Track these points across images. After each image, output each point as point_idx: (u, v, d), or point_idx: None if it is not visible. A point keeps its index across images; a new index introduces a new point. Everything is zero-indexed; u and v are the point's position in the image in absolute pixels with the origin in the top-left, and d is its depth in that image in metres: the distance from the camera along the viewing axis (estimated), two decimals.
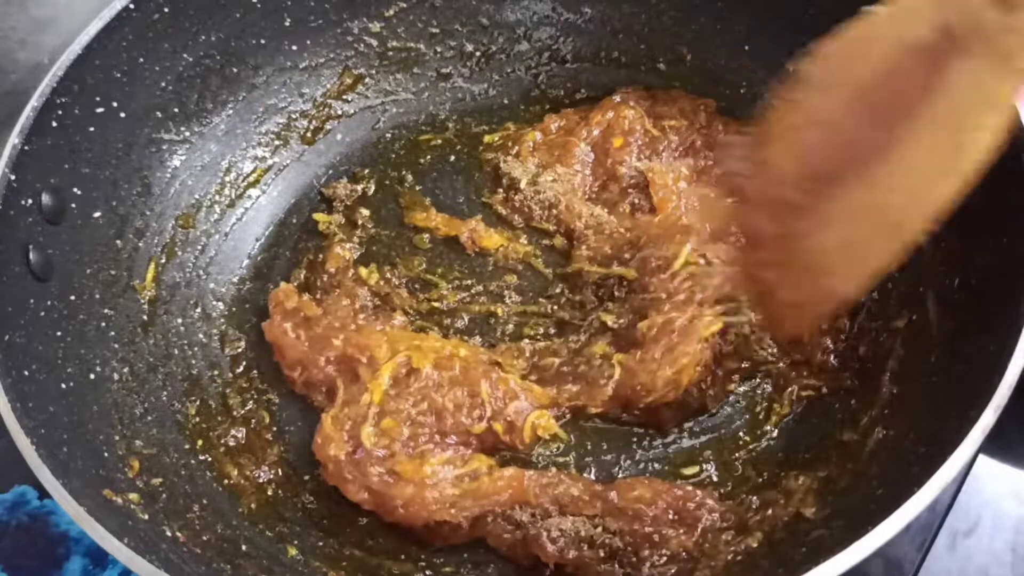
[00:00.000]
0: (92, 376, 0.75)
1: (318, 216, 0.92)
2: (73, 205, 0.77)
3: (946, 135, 0.55)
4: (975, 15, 0.52)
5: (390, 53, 1.00)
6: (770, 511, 0.72)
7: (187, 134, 0.90)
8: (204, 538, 0.70)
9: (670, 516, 0.72)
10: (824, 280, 0.59)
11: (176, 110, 0.88)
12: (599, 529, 0.71)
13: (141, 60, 0.83)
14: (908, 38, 0.55)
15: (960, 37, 0.53)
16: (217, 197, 0.93)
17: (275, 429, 0.82)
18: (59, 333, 0.73)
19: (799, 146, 0.59)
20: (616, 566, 0.70)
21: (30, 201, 0.72)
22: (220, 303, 0.89)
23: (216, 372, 0.85)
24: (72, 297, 0.76)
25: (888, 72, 0.56)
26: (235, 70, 0.92)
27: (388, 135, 1.00)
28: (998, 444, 0.80)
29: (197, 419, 0.81)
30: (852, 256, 0.58)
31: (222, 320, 0.88)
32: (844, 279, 0.59)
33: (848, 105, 0.58)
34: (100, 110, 0.80)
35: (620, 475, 0.77)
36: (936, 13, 0.54)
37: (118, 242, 0.83)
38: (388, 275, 0.89)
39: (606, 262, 0.86)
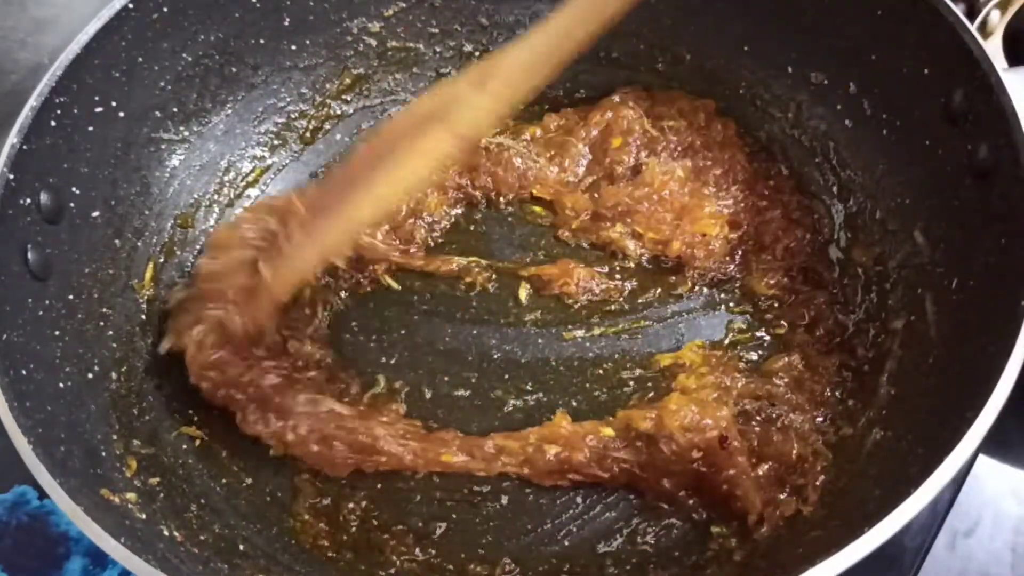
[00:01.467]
0: (90, 376, 0.75)
1: None
2: (72, 205, 0.77)
3: (400, 169, 0.72)
4: (455, 92, 0.71)
5: (389, 53, 1.00)
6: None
7: (186, 134, 0.90)
8: (202, 538, 0.70)
9: None
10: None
11: (175, 110, 0.88)
12: None
13: (140, 60, 0.83)
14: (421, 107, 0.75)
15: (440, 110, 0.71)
16: (216, 197, 0.93)
17: None
18: (57, 332, 0.73)
19: None
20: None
21: (29, 200, 0.72)
22: None
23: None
24: (70, 296, 0.76)
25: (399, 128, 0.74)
26: (234, 70, 0.92)
27: None
28: (998, 444, 0.80)
29: (195, 418, 0.81)
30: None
31: None
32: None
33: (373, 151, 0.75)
34: (99, 110, 0.80)
35: None
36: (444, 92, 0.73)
37: (117, 241, 0.83)
38: None
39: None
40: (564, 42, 0.67)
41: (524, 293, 0.88)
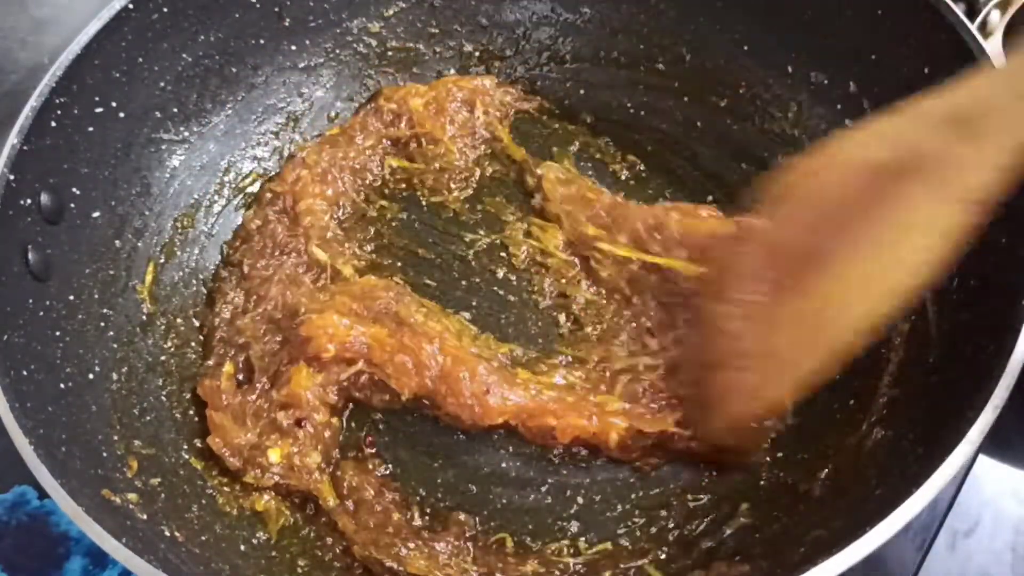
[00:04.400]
0: (91, 376, 0.75)
1: None
2: (72, 205, 0.77)
3: (884, 254, 0.57)
4: (935, 142, 0.55)
5: (389, 53, 1.00)
6: None
7: (186, 134, 0.90)
8: (202, 538, 0.70)
9: None
10: (752, 382, 0.63)
11: (175, 110, 0.88)
12: None
13: (140, 60, 0.83)
14: (870, 158, 0.57)
15: (909, 161, 0.55)
16: (216, 197, 0.93)
17: None
18: (58, 333, 0.73)
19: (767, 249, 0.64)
20: None
21: (29, 201, 0.72)
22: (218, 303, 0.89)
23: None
24: (71, 297, 0.76)
25: (842, 188, 0.58)
26: (234, 70, 0.92)
27: None
28: (998, 444, 0.80)
29: (196, 419, 0.81)
30: (780, 362, 0.62)
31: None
32: (770, 383, 0.63)
33: (808, 219, 0.61)
34: (99, 110, 0.80)
35: None
36: (904, 136, 0.57)
37: (117, 242, 0.83)
38: None
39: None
40: None
41: None
